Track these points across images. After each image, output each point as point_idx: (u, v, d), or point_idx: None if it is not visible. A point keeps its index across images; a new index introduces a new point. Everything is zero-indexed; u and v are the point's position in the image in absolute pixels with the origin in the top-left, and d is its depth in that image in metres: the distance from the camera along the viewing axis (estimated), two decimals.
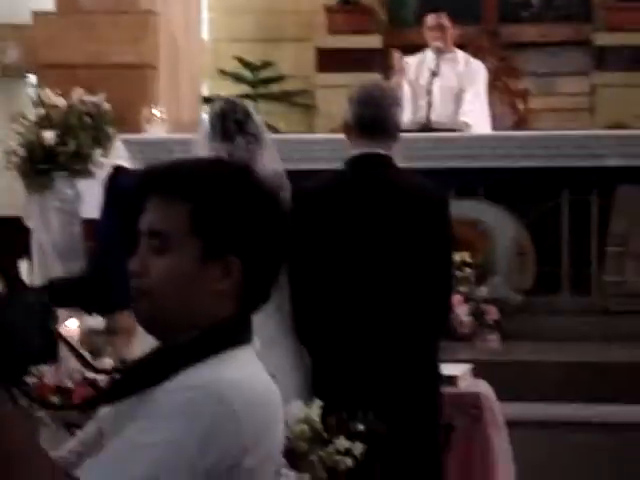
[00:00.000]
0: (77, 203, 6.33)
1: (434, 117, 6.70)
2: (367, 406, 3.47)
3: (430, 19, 7.10)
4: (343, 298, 3.68)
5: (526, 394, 5.33)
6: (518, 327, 6.02)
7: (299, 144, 6.34)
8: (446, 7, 7.62)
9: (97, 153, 6.31)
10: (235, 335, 1.76)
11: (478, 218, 6.33)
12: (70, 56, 7.55)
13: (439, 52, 6.94)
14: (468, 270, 6.16)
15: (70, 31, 7.67)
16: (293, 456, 3.21)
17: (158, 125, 6.85)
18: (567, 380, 5.47)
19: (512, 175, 6.22)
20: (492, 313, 6.10)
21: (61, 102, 6.44)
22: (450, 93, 6.90)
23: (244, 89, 9.28)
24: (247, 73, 9.34)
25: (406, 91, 6.84)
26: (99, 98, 6.59)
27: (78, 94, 6.49)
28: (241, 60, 9.29)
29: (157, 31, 7.90)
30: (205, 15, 9.39)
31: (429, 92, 6.72)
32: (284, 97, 9.32)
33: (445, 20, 7.07)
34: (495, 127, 7.23)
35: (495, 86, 7.95)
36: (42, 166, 6.32)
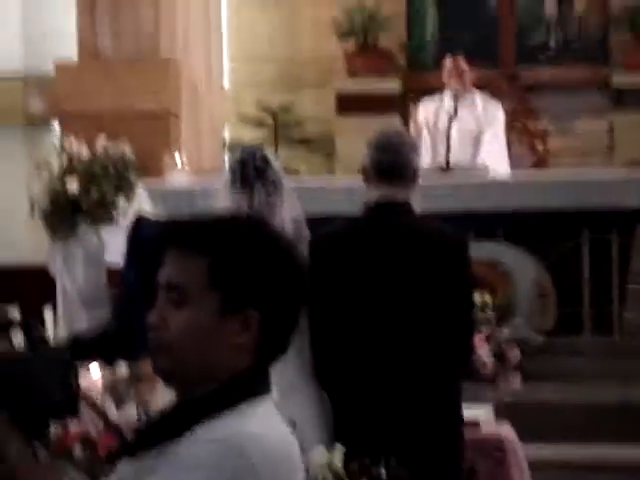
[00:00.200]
0: (101, 251, 6.39)
1: (453, 160, 6.76)
2: (389, 451, 3.49)
3: (448, 62, 7.17)
4: (363, 343, 3.70)
5: (549, 435, 5.32)
6: (540, 368, 6.03)
7: (319, 191, 6.39)
8: (464, 50, 7.70)
9: (120, 201, 6.38)
10: (253, 388, 1.78)
11: (498, 259, 6.36)
12: (92, 104, 7.65)
13: (457, 95, 7.01)
14: (489, 311, 6.18)
15: (92, 80, 7.78)
16: None
17: (180, 172, 6.92)
18: (589, 421, 5.46)
19: (531, 216, 6.25)
20: (514, 354, 6.11)
21: (84, 150, 6.52)
22: (469, 136, 6.97)
23: (265, 134, 9.37)
24: (268, 118, 9.44)
25: (425, 135, 6.91)
26: (122, 146, 6.67)
27: (101, 142, 6.58)
28: (262, 105, 9.38)
29: (178, 79, 8.01)
30: (226, 64, 9.50)
31: (448, 136, 6.78)
32: (304, 141, 9.41)
33: (463, 63, 7.14)
34: (514, 168, 7.28)
35: (514, 127, 8.01)
36: (66, 214, 6.39)
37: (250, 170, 3.76)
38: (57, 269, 6.47)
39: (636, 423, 5.46)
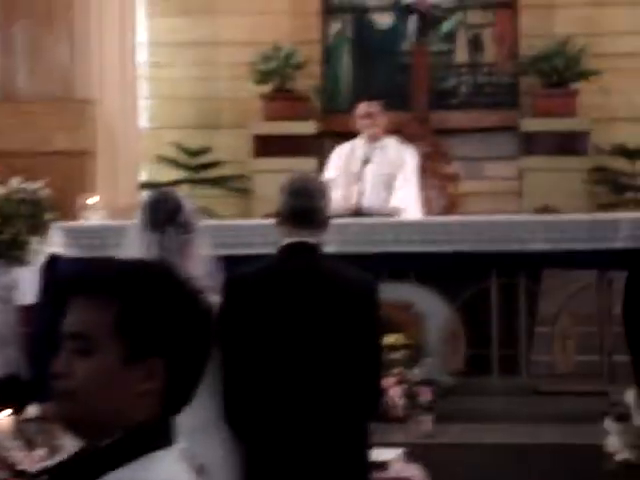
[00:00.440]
0: (13, 290, 6.35)
1: (366, 203, 6.85)
2: None
3: (361, 107, 7.26)
4: (274, 385, 3.75)
5: (460, 477, 5.40)
6: (451, 408, 6.10)
7: (234, 230, 6.43)
8: (378, 95, 7.83)
9: (34, 241, 6.36)
10: (158, 436, 1.78)
11: (410, 301, 6.45)
12: (8, 144, 7.62)
13: (370, 140, 7.11)
14: (401, 352, 6.26)
15: (8, 119, 7.75)
16: None
17: (95, 212, 6.92)
18: (500, 462, 5.55)
19: (442, 259, 6.35)
20: (425, 395, 6.18)
21: None
22: (381, 180, 7.06)
23: (182, 174, 9.40)
24: (185, 158, 9.47)
25: (338, 179, 6.99)
26: (37, 185, 6.66)
27: (16, 182, 6.56)
28: (179, 146, 9.42)
29: (95, 119, 8.02)
30: (143, 102, 9.52)
31: (361, 179, 6.88)
32: (221, 182, 9.46)
33: (375, 108, 7.22)
34: (426, 211, 7.40)
35: (426, 171, 8.15)
36: None
37: (161, 213, 3.80)
38: None
39: (545, 463, 5.56)
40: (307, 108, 9.44)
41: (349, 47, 9.68)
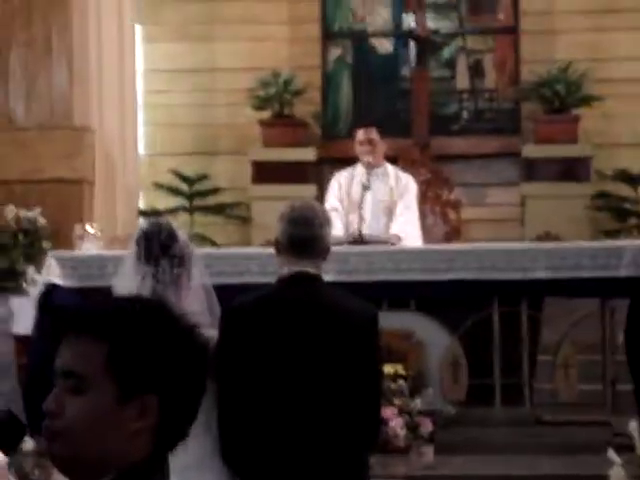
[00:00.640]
0: (9, 321, 6.30)
1: (366, 231, 6.80)
2: None
3: (360, 134, 7.22)
4: (272, 417, 3.68)
5: None
6: (452, 439, 6.03)
7: (232, 258, 6.38)
8: (378, 121, 7.79)
9: (30, 270, 6.31)
10: (152, 475, 1.76)
11: (411, 330, 6.39)
12: (5, 172, 7.58)
13: (370, 166, 7.07)
14: (402, 382, 6.18)
15: (5, 147, 7.71)
16: None
17: (92, 241, 6.87)
18: None
19: (443, 287, 6.30)
20: (427, 425, 6.11)
21: None
22: (382, 207, 7.02)
23: (180, 202, 9.35)
24: (183, 186, 9.43)
25: (338, 207, 6.95)
26: (34, 214, 6.61)
27: (11, 212, 6.51)
28: (177, 173, 9.37)
29: (92, 146, 7.98)
30: (141, 130, 9.49)
31: (361, 207, 6.83)
32: (220, 209, 9.40)
33: (375, 135, 7.18)
34: (427, 238, 7.34)
35: (427, 197, 8.10)
36: None
37: (155, 245, 3.76)
38: None
39: None
40: (306, 134, 9.40)
41: (349, 73, 9.65)
